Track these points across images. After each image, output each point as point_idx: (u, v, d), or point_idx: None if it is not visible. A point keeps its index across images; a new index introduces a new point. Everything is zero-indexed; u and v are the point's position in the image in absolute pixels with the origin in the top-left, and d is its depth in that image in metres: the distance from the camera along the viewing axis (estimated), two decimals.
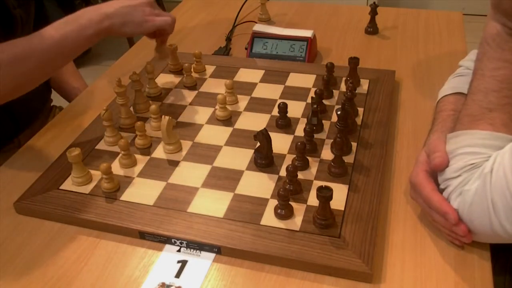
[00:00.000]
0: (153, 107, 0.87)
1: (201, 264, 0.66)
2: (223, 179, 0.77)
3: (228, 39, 1.22)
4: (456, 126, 0.67)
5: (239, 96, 0.96)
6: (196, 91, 1.00)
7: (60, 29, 0.82)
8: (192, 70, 1.02)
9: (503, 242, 0.62)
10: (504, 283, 0.78)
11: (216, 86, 0.99)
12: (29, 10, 0.98)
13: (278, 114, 0.88)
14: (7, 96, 0.80)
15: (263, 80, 1.02)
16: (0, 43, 0.78)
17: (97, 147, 0.86)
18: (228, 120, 0.90)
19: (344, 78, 0.98)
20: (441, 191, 0.65)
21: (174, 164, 0.81)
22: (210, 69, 1.06)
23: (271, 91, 0.98)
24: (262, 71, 1.04)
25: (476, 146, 0.62)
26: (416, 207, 0.72)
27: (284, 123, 0.87)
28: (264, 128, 0.77)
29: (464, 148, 0.63)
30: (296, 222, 0.69)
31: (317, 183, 0.74)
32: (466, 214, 0.61)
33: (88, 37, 0.84)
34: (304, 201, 0.72)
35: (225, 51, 1.16)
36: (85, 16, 0.85)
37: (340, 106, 0.86)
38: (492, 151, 0.61)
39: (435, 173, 0.67)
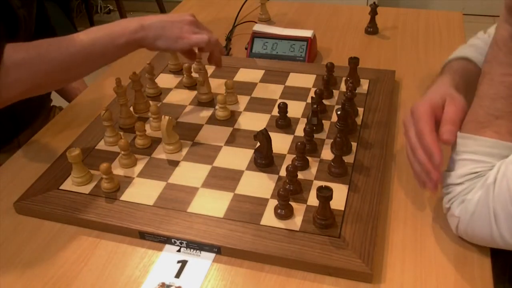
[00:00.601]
0: (153, 107, 0.87)
1: (201, 264, 0.66)
2: (223, 179, 0.77)
3: (228, 39, 1.22)
4: (462, 130, 0.66)
5: (239, 96, 0.96)
6: (196, 91, 0.99)
7: (91, 34, 0.79)
8: (192, 70, 1.02)
9: (501, 248, 0.62)
10: (504, 284, 0.78)
11: (216, 86, 0.99)
12: (31, 10, 0.98)
13: (278, 114, 0.87)
14: (22, 95, 0.78)
15: (263, 80, 1.02)
16: (26, 43, 0.76)
17: (97, 147, 0.86)
18: (228, 120, 0.90)
19: (344, 78, 0.98)
20: (443, 194, 0.65)
21: (174, 164, 0.81)
22: (210, 69, 1.06)
23: (271, 91, 0.98)
24: (262, 71, 1.04)
25: (481, 154, 0.62)
26: (416, 207, 0.72)
27: (284, 123, 0.87)
28: (264, 128, 0.77)
29: (469, 154, 0.63)
30: (296, 222, 0.69)
31: (317, 183, 0.74)
32: (468, 223, 0.61)
33: (119, 46, 0.80)
34: (304, 201, 0.72)
35: (225, 51, 1.16)
36: (120, 24, 0.82)
37: (340, 106, 0.86)
38: (497, 160, 0.60)
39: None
